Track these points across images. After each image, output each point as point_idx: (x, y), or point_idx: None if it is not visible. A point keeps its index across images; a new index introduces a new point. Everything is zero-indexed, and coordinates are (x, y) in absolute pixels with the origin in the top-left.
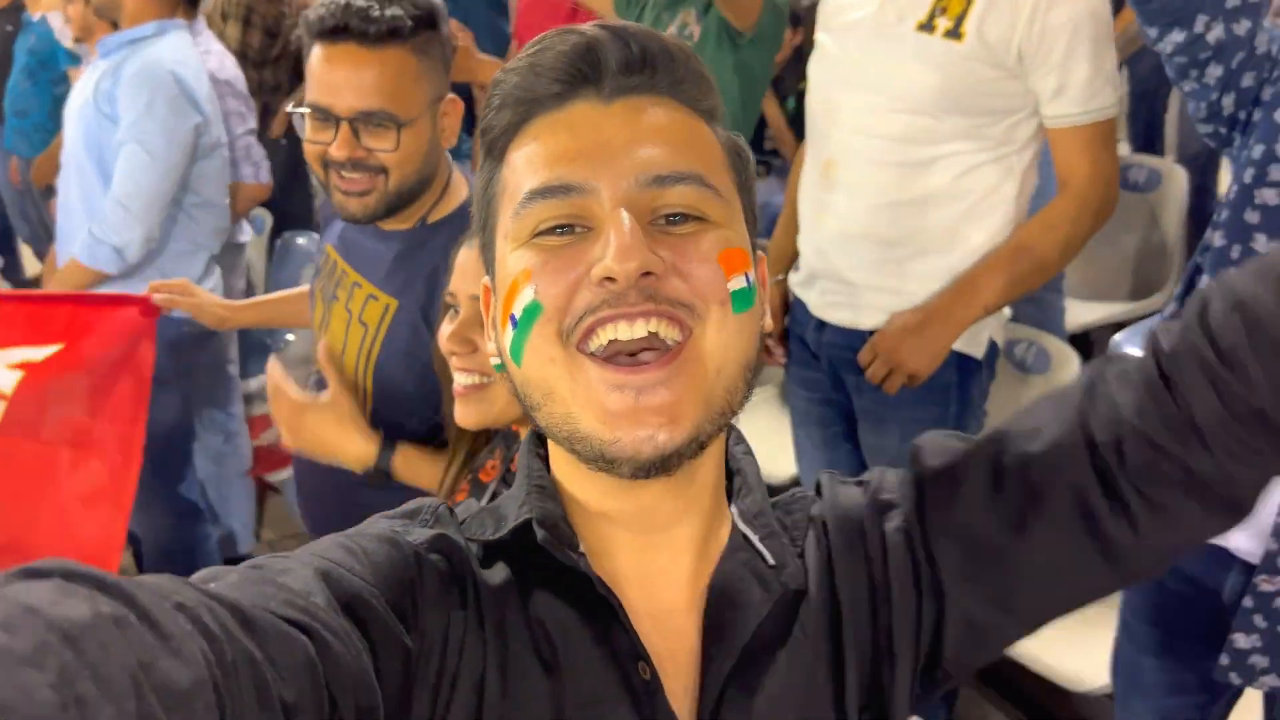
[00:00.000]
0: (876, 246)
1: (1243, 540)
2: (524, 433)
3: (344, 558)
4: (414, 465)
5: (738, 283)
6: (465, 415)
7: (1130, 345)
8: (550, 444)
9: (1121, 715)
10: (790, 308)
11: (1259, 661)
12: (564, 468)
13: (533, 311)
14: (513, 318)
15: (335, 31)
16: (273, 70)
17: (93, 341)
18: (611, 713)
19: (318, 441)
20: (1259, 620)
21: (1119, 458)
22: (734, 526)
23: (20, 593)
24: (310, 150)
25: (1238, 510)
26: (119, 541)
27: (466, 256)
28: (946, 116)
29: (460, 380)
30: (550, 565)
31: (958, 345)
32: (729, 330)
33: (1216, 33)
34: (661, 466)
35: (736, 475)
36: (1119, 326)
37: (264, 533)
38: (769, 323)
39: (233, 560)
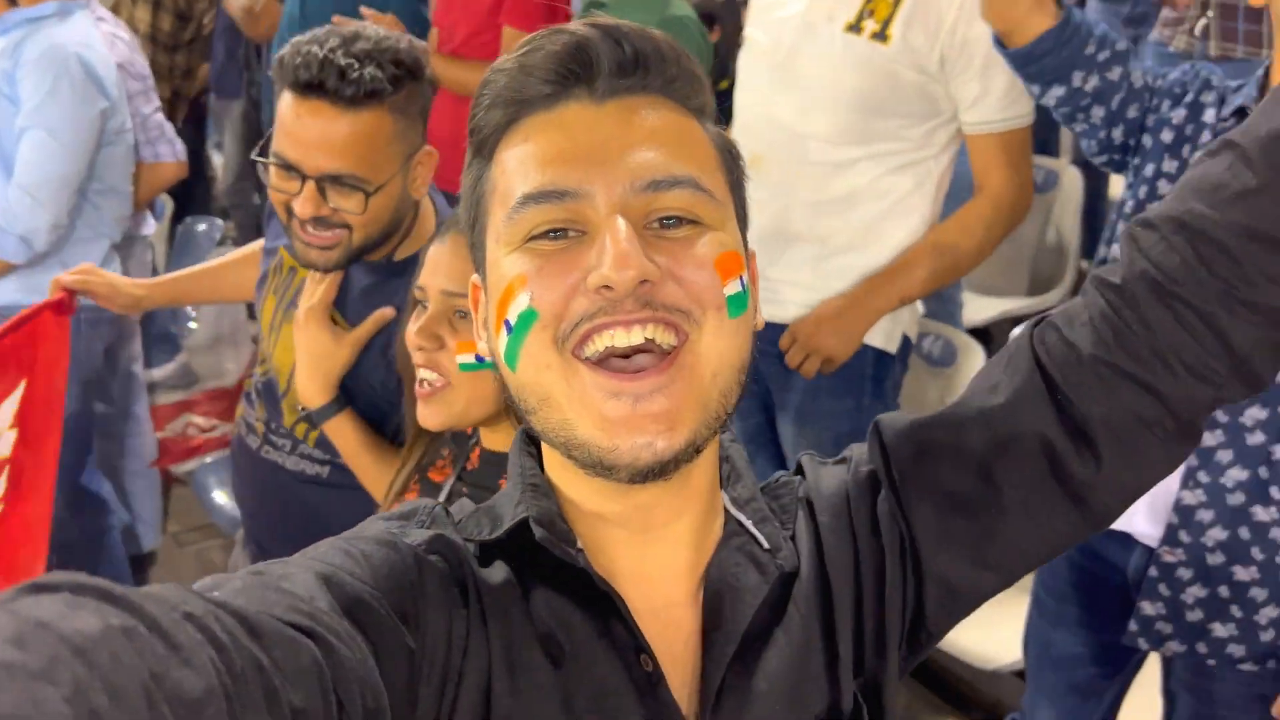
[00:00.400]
0: (799, 244)
1: (1143, 525)
2: (484, 434)
3: (344, 561)
4: (344, 432)
5: (733, 287)
6: (429, 417)
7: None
8: (543, 444)
9: (1033, 687)
10: None
11: (1164, 628)
12: (557, 468)
13: (528, 318)
14: (507, 323)
15: (310, 87)
16: (185, 54)
17: (40, 359)
18: (619, 705)
19: (304, 347)
20: (1163, 589)
21: (1081, 394)
22: (727, 514)
23: (30, 607)
24: (275, 197)
25: (1192, 435)
26: (43, 551)
27: (438, 251)
28: (871, 117)
29: (424, 376)
30: (549, 563)
31: (874, 341)
32: (725, 334)
33: (1093, 83)
34: (659, 472)
35: (725, 462)
36: (1016, 321)
37: (169, 524)
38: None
39: (138, 555)
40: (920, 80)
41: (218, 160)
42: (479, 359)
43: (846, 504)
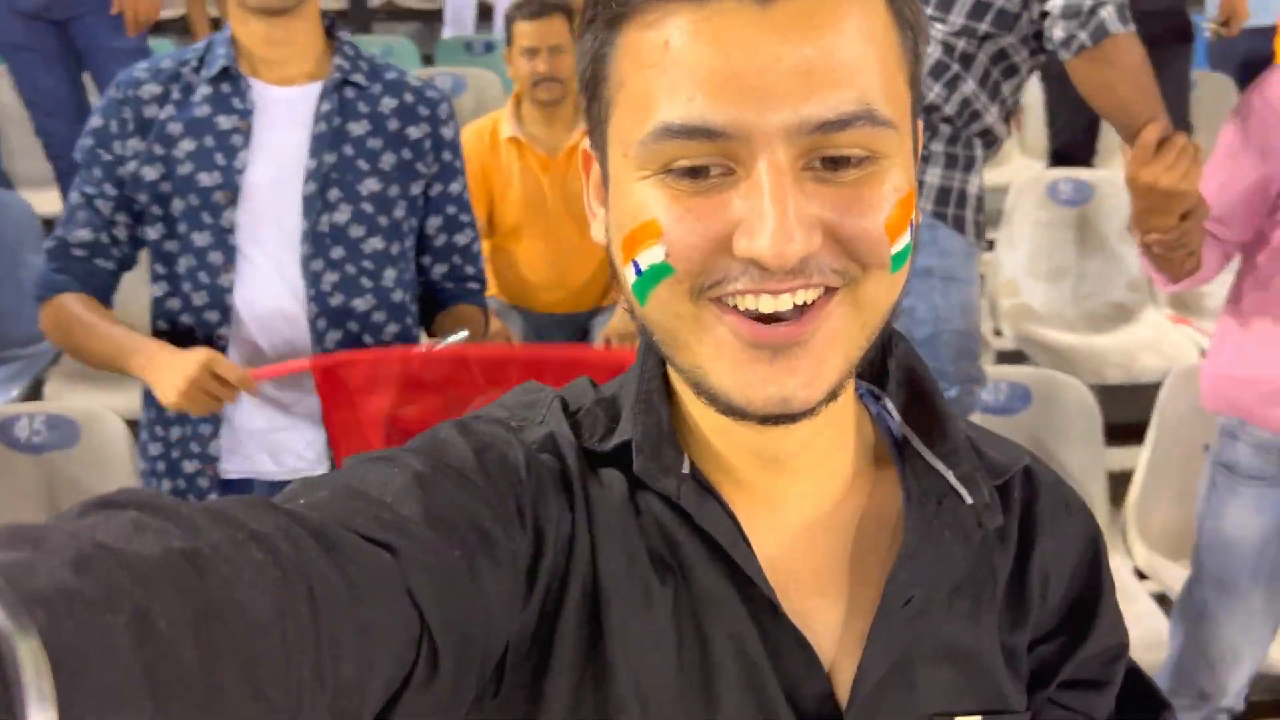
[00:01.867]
0: None
1: None
2: None
3: (454, 454)
4: None
5: (901, 243)
6: None
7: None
8: None
9: None
10: None
11: None
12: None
13: (662, 271)
14: (636, 264)
15: None
16: None
17: None
18: (731, 622)
19: None
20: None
21: None
22: (923, 461)
23: (95, 527)
24: None
25: None
26: None
27: None
28: None
29: None
30: None
31: None
32: (883, 288)
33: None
34: (793, 419)
35: (919, 404)
36: None
37: None
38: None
39: None
40: None
41: None
42: None
43: (1076, 537)
